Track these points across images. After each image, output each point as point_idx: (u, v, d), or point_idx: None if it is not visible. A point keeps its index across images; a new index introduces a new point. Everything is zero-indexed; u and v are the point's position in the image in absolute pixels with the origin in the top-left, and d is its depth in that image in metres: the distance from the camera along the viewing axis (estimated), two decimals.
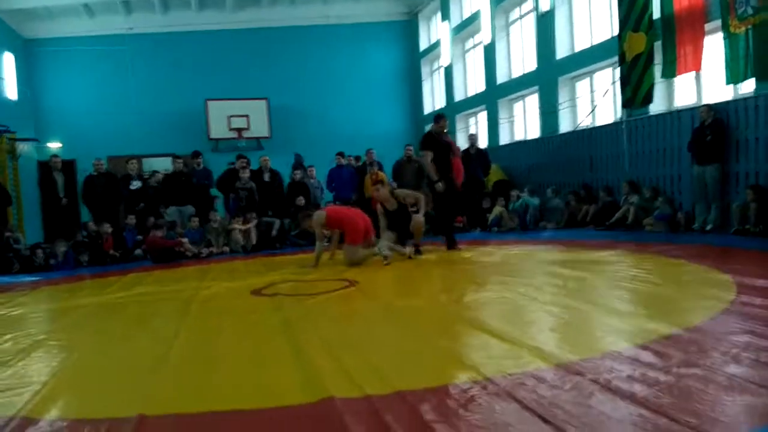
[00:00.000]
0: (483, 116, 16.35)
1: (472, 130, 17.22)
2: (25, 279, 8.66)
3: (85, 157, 12.89)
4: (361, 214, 7.93)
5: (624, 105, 10.49)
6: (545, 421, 2.21)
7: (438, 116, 8.75)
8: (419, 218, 8.11)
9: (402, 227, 7.95)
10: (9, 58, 16.13)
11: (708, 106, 8.73)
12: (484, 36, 15.48)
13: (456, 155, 8.75)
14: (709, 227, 8.54)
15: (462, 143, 16.19)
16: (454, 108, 17.49)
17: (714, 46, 8.72)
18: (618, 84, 10.65)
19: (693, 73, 9.41)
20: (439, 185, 8.20)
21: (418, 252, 7.95)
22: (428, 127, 19.67)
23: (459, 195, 8.87)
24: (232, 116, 17.55)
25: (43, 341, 4.24)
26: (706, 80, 9.52)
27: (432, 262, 7.34)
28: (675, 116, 9.59)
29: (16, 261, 9.76)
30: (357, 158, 13.49)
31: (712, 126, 8.55)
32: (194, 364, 3.47)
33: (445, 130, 8.64)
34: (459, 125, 17.50)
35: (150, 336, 4.31)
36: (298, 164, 13.02)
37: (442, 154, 8.40)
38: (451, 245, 8.35)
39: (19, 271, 9.50)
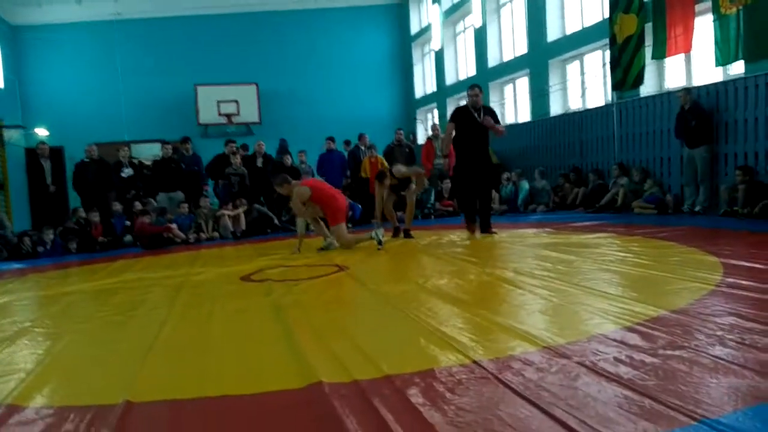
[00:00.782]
0: None
1: None
2: (13, 266, 8.61)
3: (73, 143, 12.81)
4: (340, 193, 7.91)
5: (614, 87, 10.49)
6: (532, 403, 2.22)
7: (471, 86, 7.83)
8: (412, 200, 8.00)
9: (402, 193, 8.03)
10: None
11: (686, 89, 8.75)
12: (474, 19, 15.41)
13: (494, 128, 7.53)
14: (698, 209, 8.58)
15: None
16: (445, 92, 17.44)
17: (704, 28, 8.70)
18: (608, 66, 10.64)
19: (683, 55, 9.40)
20: (420, 173, 8.20)
21: (408, 236, 7.94)
22: (419, 111, 19.75)
23: (490, 175, 8.00)
24: (221, 101, 17.44)
25: (29, 329, 4.22)
26: (696, 62, 9.52)
27: (422, 245, 7.34)
28: (665, 98, 9.60)
29: (3, 248, 9.70)
30: (347, 143, 13.49)
31: (692, 111, 8.56)
32: (183, 350, 3.46)
33: (479, 102, 7.65)
34: (450, 108, 17.45)
35: (139, 322, 4.29)
36: (283, 149, 12.98)
37: (473, 128, 7.51)
38: (485, 228, 7.76)
39: (6, 259, 9.44)
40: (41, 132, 16.59)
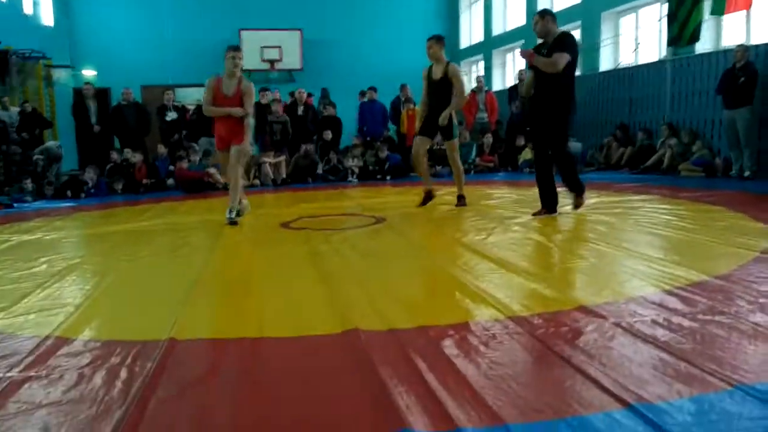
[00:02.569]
0: None
1: (509, 67, 16.83)
2: (60, 204, 8.87)
3: (119, 85, 12.91)
4: None
5: (669, 43, 10.09)
6: (565, 360, 2.23)
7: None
8: (456, 158, 6.75)
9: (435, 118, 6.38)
10: None
11: (744, 46, 8.37)
12: None
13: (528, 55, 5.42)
14: (747, 174, 8.32)
15: (509, 80, 15.90)
16: (492, 43, 17.04)
17: None
18: (664, 20, 10.22)
19: (743, 12, 8.97)
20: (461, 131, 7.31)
21: (462, 203, 6.69)
22: (464, 63, 19.33)
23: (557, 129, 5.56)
24: (265, 47, 17.35)
25: (78, 265, 4.38)
26: (756, 20, 9.08)
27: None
28: (722, 56, 9.21)
29: (51, 186, 10.00)
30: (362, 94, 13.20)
31: (744, 68, 8.21)
32: (224, 291, 3.56)
33: (431, 55, 6.52)
34: (496, 61, 17.08)
35: (182, 263, 4.41)
36: (325, 98, 12.93)
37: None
38: (578, 193, 5.84)
39: (52, 197, 9.72)
40: (89, 73, 16.81)
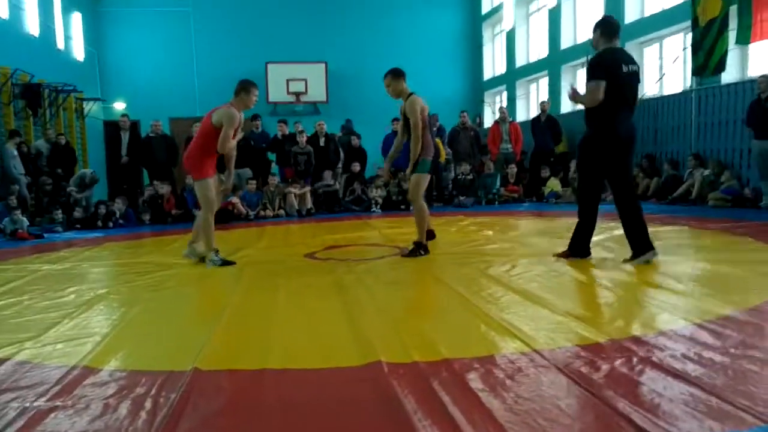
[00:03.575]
0: (544, 82, 15.95)
1: (533, 97, 16.87)
2: (89, 234, 9.01)
3: (148, 117, 13.22)
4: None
5: (694, 73, 10.05)
6: (594, 395, 2.18)
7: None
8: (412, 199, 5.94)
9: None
10: (77, 18, 16.55)
11: (766, 76, 8.29)
12: None
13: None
14: None
15: (532, 110, 15.91)
16: (515, 74, 17.12)
17: None
18: (689, 50, 10.19)
19: None
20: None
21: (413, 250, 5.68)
22: (487, 94, 19.37)
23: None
24: (290, 80, 17.63)
25: (105, 295, 4.42)
26: None
27: (485, 229, 7.26)
28: (748, 86, 9.14)
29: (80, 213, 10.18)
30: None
31: None
32: (249, 322, 3.57)
33: (390, 93, 5.95)
34: (519, 91, 17.13)
35: (208, 294, 4.44)
36: (349, 129, 13.05)
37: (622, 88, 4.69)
38: (638, 252, 4.72)
39: (81, 228, 9.88)
40: (119, 105, 17.21)
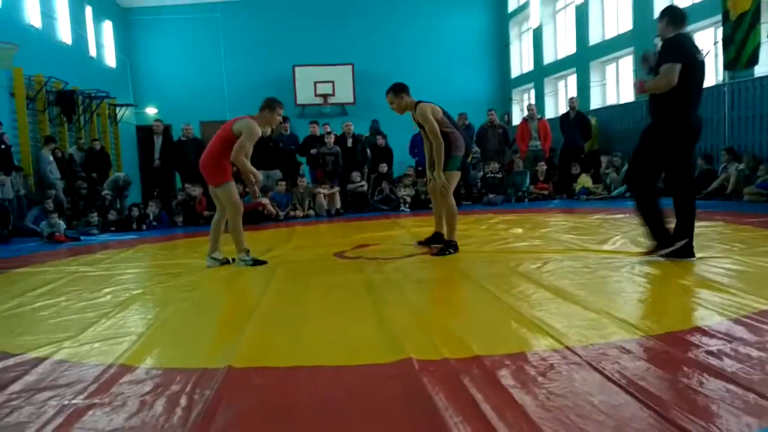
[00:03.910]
0: (573, 79, 15.79)
1: (561, 94, 16.72)
2: (124, 237, 9.18)
3: (179, 121, 13.42)
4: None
5: (726, 67, 9.87)
6: (627, 391, 2.16)
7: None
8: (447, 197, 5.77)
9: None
10: (108, 26, 16.88)
11: None
12: None
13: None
14: None
15: (561, 107, 15.76)
16: (543, 71, 16.99)
17: None
18: (720, 44, 10.00)
19: None
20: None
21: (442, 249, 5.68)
22: (515, 92, 19.25)
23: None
24: (318, 82, 17.73)
25: (140, 295, 4.50)
26: None
27: (515, 227, 7.22)
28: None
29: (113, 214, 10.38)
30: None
31: None
32: (280, 320, 3.60)
33: (396, 110, 5.91)
34: (548, 89, 17.00)
35: (240, 293, 4.49)
36: (376, 130, 13.07)
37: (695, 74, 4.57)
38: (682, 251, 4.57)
39: (116, 230, 10.06)
40: (150, 111, 17.51)
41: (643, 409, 2.01)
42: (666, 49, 4.50)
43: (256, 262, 5.57)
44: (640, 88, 4.76)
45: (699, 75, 4.57)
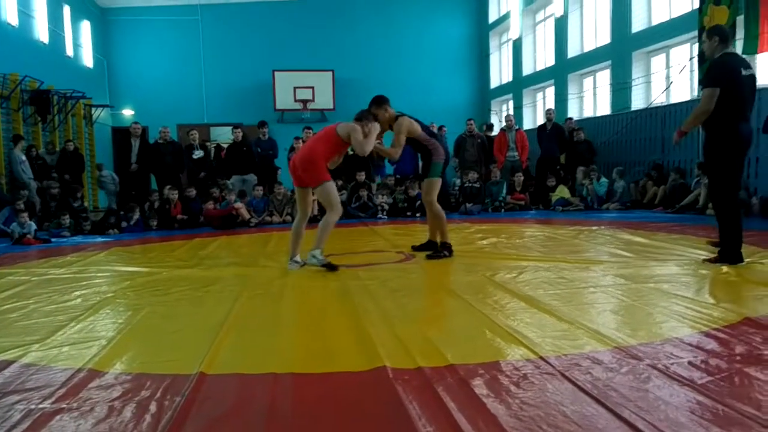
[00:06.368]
0: (551, 91, 15.97)
1: (539, 106, 16.88)
2: (97, 239, 9.04)
3: (156, 124, 13.31)
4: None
5: (701, 82, 10.04)
6: (599, 402, 2.17)
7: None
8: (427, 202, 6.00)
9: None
10: (86, 26, 16.70)
11: None
12: (556, 8, 15.06)
13: None
14: None
15: (539, 119, 15.90)
16: (521, 82, 17.15)
17: None
18: (696, 60, 10.19)
19: None
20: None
21: (435, 253, 5.87)
22: (494, 102, 19.39)
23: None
24: (297, 87, 17.71)
25: (111, 299, 4.44)
26: None
27: (491, 236, 7.26)
28: (756, 96, 9.10)
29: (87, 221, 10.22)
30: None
31: None
32: (254, 327, 3.57)
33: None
34: (526, 100, 17.17)
35: (213, 298, 4.44)
36: None
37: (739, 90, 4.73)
38: (726, 258, 4.83)
39: (90, 233, 9.91)
40: (127, 112, 17.32)
41: (614, 420, 2.03)
42: (710, 74, 4.76)
43: (328, 266, 5.37)
44: (678, 134, 5.12)
45: (745, 90, 4.77)
